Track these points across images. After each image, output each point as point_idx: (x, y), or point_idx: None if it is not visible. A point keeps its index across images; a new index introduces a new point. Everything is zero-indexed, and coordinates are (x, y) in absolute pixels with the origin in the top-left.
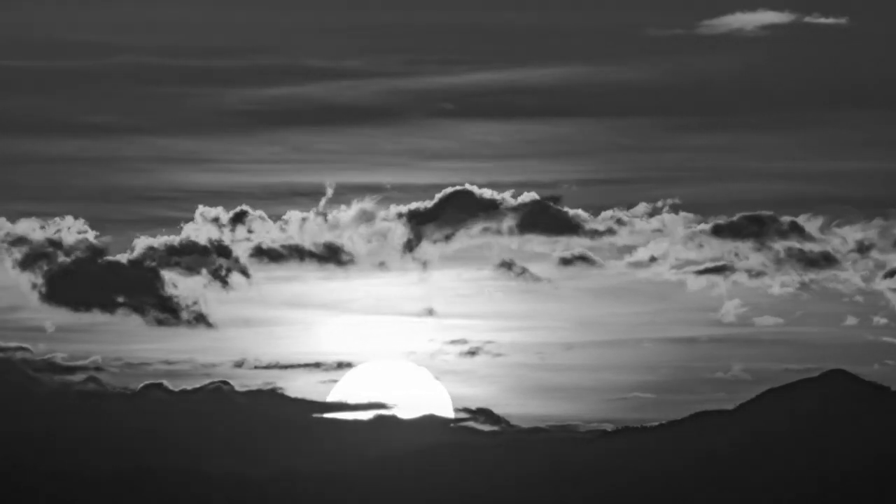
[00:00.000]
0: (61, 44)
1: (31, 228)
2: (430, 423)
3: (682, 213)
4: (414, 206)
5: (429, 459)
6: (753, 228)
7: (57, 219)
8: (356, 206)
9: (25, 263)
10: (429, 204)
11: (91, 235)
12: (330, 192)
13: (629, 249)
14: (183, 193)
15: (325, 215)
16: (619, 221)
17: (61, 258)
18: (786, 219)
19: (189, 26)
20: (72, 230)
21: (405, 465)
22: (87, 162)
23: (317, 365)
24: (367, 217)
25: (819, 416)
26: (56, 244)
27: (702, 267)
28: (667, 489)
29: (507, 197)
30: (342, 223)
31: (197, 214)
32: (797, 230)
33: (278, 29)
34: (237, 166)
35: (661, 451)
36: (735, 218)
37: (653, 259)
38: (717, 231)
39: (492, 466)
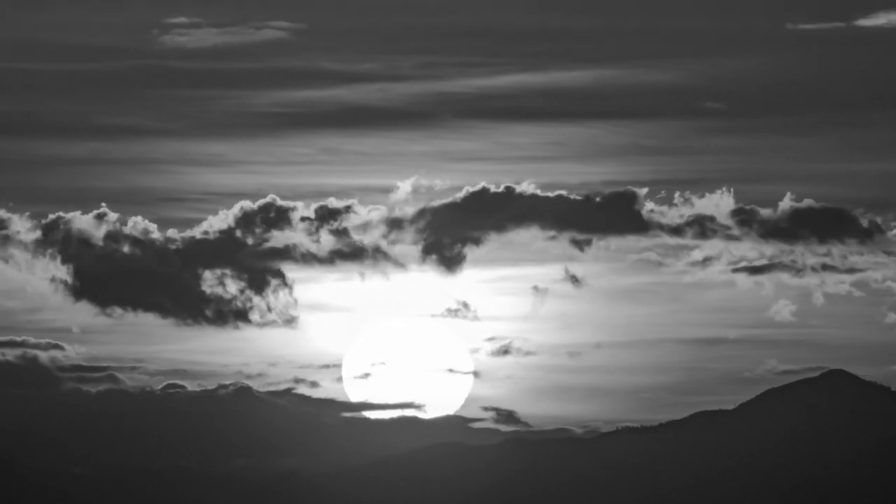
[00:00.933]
0: (88, 47)
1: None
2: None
3: (739, 211)
4: (444, 206)
5: (435, 459)
6: (812, 227)
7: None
8: (387, 208)
9: (64, 256)
10: (459, 204)
11: (155, 228)
12: (409, 188)
13: (686, 249)
14: (210, 196)
15: (350, 217)
16: (678, 220)
17: (128, 249)
18: (853, 215)
19: (213, 29)
20: (138, 225)
21: (415, 464)
22: (114, 164)
23: (346, 365)
24: (397, 218)
25: (819, 416)
26: (125, 237)
27: (752, 265)
28: (666, 489)
29: (545, 195)
30: (374, 224)
31: (224, 216)
32: (858, 228)
33: (297, 32)
34: (265, 168)
35: (661, 452)
36: (793, 214)
37: (707, 259)
38: (774, 230)
39: (496, 467)
